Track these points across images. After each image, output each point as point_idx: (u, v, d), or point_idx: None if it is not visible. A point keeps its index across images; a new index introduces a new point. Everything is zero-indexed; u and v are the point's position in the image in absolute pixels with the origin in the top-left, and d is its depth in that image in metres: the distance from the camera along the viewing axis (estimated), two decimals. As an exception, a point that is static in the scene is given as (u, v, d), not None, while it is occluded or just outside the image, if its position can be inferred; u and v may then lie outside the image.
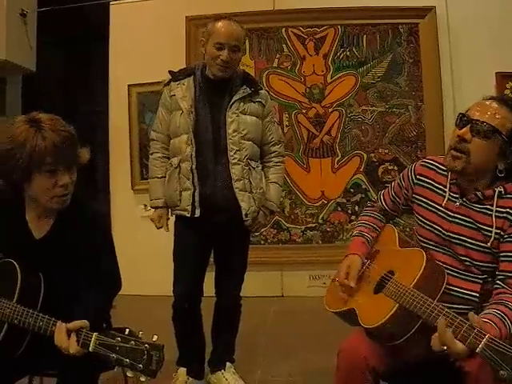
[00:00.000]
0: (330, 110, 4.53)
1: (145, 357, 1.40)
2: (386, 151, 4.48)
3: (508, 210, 1.60)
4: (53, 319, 1.53)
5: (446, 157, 1.69)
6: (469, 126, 1.61)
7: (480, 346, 1.32)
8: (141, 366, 1.39)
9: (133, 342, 1.41)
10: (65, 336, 1.47)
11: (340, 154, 4.53)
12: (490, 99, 1.66)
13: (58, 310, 1.54)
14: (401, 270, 1.72)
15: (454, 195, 1.72)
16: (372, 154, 4.49)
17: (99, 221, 1.83)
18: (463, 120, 1.64)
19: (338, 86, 4.53)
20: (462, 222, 1.68)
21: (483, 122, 1.58)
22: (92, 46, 5.19)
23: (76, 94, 4.99)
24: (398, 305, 1.59)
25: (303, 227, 4.55)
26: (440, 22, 4.37)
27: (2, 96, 4.46)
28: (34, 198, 1.68)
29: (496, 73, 4.29)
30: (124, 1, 4.75)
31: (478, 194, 1.65)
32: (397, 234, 1.91)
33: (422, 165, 1.85)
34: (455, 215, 1.69)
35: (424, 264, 1.64)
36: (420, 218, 1.82)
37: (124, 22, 4.70)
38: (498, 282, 1.61)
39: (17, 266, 1.64)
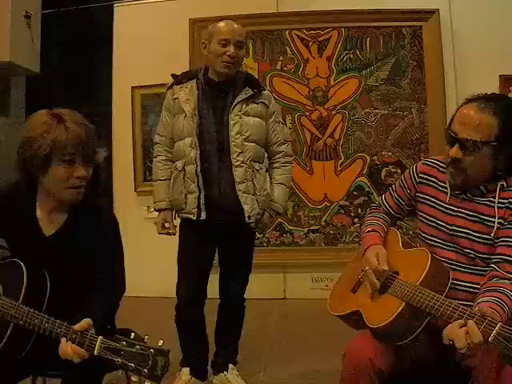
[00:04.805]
0: (333, 112, 4.54)
1: (150, 362, 1.39)
2: (389, 154, 4.48)
3: (510, 200, 1.64)
4: (58, 321, 1.52)
5: (446, 173, 1.73)
6: (456, 144, 1.63)
7: (492, 334, 1.32)
8: (146, 371, 1.38)
9: (138, 346, 1.40)
10: (70, 348, 1.46)
11: (343, 157, 4.53)
12: (470, 102, 1.65)
13: (64, 308, 1.53)
14: (405, 269, 1.72)
15: (457, 192, 1.74)
16: (375, 157, 4.50)
17: (111, 223, 1.83)
18: (450, 138, 1.66)
19: (342, 89, 4.54)
20: (465, 216, 1.70)
21: (469, 139, 1.59)
22: (96, 48, 5.19)
23: (79, 95, 4.99)
24: (404, 303, 1.58)
25: (306, 229, 4.56)
26: (443, 25, 4.38)
27: (6, 97, 4.47)
28: (48, 190, 1.69)
29: (500, 75, 4.29)
30: (128, 3, 4.76)
31: (481, 188, 1.68)
32: (400, 237, 1.90)
33: (424, 163, 1.87)
34: (459, 209, 1.72)
35: (429, 262, 1.65)
36: (424, 215, 1.83)
37: (128, 23, 4.72)
38: (492, 265, 1.63)
39: (23, 266, 1.63)
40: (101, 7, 4.79)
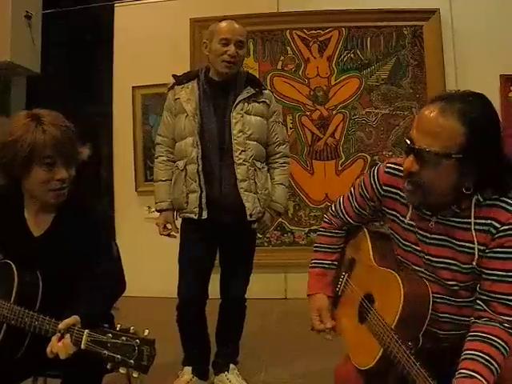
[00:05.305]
0: (334, 112, 4.54)
1: (136, 352, 1.38)
2: (390, 153, 4.47)
3: (489, 220, 1.36)
4: (47, 318, 1.53)
5: (403, 191, 1.46)
6: (412, 154, 1.35)
7: None
8: (132, 361, 1.38)
9: (123, 337, 1.40)
10: (59, 344, 1.46)
11: (344, 157, 4.53)
12: (433, 103, 1.35)
13: (57, 309, 1.53)
14: (380, 298, 1.55)
15: (427, 212, 1.47)
16: (376, 157, 4.49)
17: (100, 220, 1.82)
18: (407, 146, 1.37)
19: (342, 89, 4.54)
20: (441, 243, 1.45)
21: (426, 149, 1.30)
22: (96, 48, 5.19)
23: (80, 95, 5.00)
24: (382, 350, 1.45)
25: (307, 229, 4.56)
26: (444, 25, 4.38)
27: (7, 97, 4.46)
28: (31, 193, 1.69)
29: (500, 75, 4.29)
30: (128, 3, 4.76)
31: (453, 207, 1.40)
32: (369, 243, 1.68)
33: (386, 172, 1.57)
34: (433, 236, 1.46)
35: (403, 296, 1.42)
36: (396, 235, 1.58)
37: (128, 23, 4.72)
38: (480, 302, 1.39)
39: (13, 266, 1.63)
40: (101, 7, 4.79)
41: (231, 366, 2.71)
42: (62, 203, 1.73)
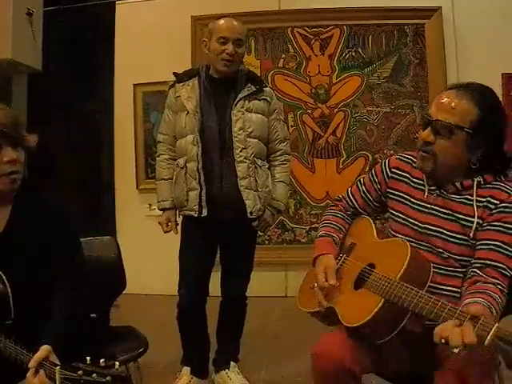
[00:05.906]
0: (336, 110, 4.53)
1: None
2: (391, 152, 4.46)
3: (488, 198, 1.55)
4: (19, 349, 1.49)
5: (416, 158, 1.65)
6: (429, 127, 1.57)
7: (488, 337, 1.22)
8: None
9: (95, 374, 1.31)
10: (35, 381, 1.44)
11: (345, 155, 4.53)
12: (450, 89, 1.59)
13: (34, 314, 1.50)
14: (382, 262, 1.61)
15: (431, 187, 1.65)
16: (377, 155, 4.49)
17: (60, 213, 1.75)
18: (425, 120, 1.59)
19: (344, 87, 4.53)
20: (439, 214, 1.62)
21: (442, 121, 1.53)
22: (98, 46, 5.19)
23: (81, 93, 5.00)
24: (383, 299, 1.48)
25: (308, 227, 4.56)
26: (446, 23, 4.37)
27: (8, 95, 4.46)
28: None
29: (502, 74, 4.27)
30: (130, 0, 4.76)
31: (457, 184, 1.60)
32: (373, 226, 1.80)
33: (397, 158, 1.79)
34: (432, 207, 1.64)
35: (409, 254, 1.54)
36: (395, 212, 1.74)
37: (130, 21, 4.72)
38: (474, 269, 1.53)
39: None
40: (103, 4, 4.80)
41: (232, 363, 2.71)
42: (17, 195, 1.68)
